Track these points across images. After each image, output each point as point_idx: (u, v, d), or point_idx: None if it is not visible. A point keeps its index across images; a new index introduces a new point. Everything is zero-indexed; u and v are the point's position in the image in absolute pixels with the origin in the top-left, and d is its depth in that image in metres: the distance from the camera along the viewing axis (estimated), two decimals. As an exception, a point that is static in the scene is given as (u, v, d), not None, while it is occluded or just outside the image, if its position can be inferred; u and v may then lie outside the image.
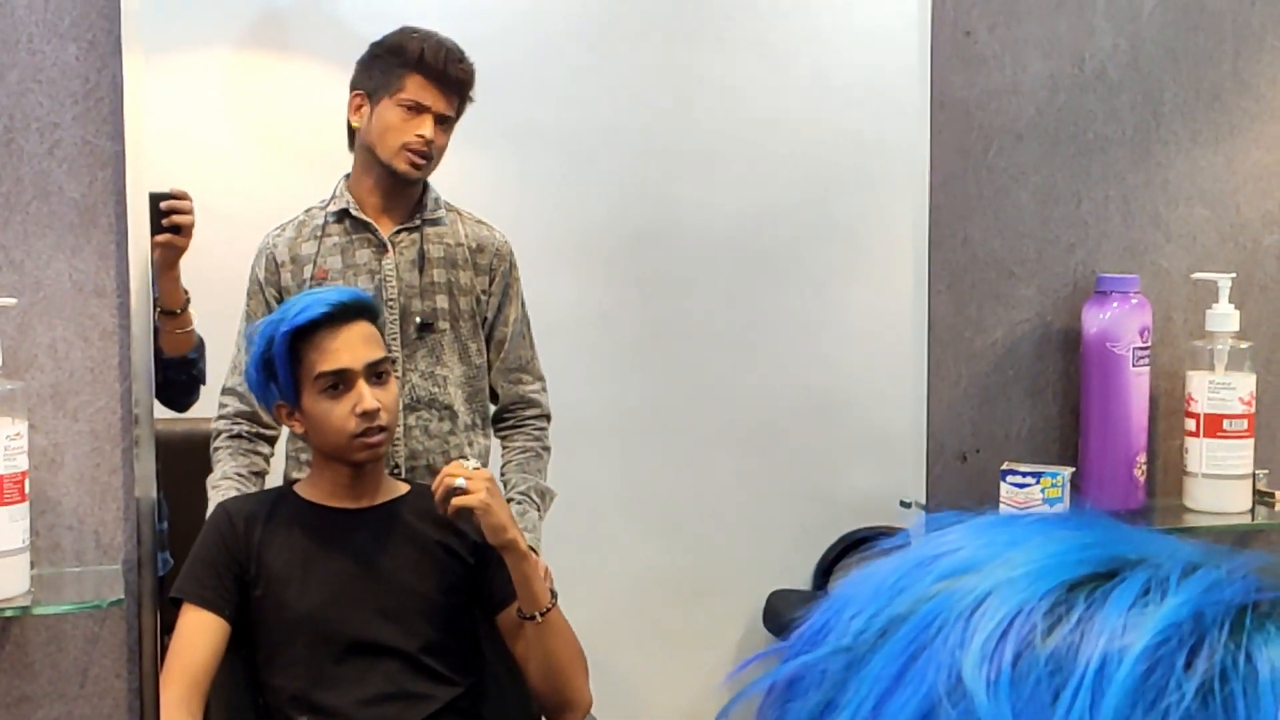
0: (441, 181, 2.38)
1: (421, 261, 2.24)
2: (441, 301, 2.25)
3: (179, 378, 2.19)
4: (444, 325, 2.24)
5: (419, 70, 2.21)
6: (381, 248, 2.24)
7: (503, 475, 2.29)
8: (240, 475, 2.20)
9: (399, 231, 2.25)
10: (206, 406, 2.27)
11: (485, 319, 2.30)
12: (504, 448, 2.32)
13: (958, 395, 2.12)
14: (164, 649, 1.87)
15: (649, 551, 2.57)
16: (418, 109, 2.21)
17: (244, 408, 2.21)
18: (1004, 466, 2.06)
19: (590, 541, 2.50)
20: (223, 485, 2.17)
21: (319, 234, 2.25)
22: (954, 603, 0.46)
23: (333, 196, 2.28)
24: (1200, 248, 2.20)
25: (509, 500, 2.21)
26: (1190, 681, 0.42)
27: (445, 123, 2.23)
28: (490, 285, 2.29)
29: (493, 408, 2.33)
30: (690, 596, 2.58)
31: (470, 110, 2.51)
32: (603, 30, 2.19)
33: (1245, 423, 2.10)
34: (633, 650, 2.56)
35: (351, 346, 1.94)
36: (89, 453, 1.79)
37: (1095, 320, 2.10)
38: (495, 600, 1.99)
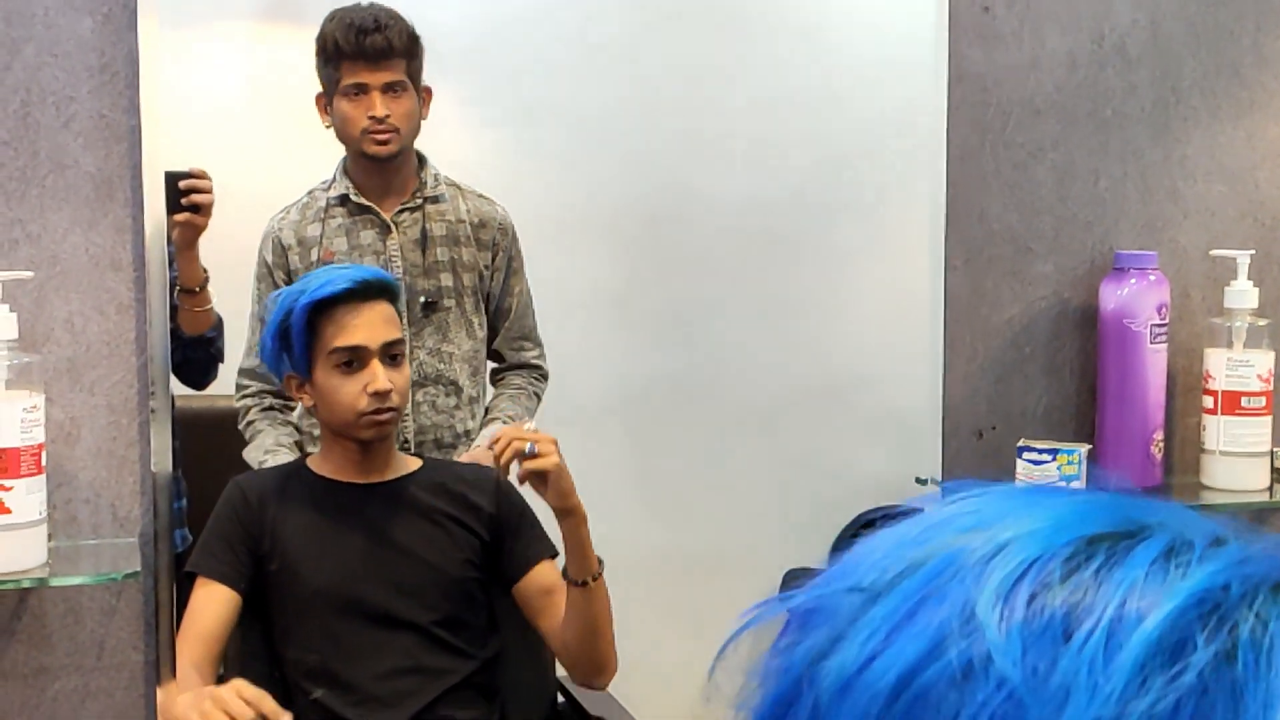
0: (456, 160, 2.38)
1: (425, 241, 2.25)
2: (446, 279, 2.26)
3: (198, 356, 2.20)
4: (449, 303, 2.25)
5: (343, 57, 2.22)
6: (385, 229, 2.25)
7: (489, 405, 2.32)
8: (283, 445, 2.21)
9: (401, 211, 2.26)
10: (225, 384, 2.28)
11: (489, 293, 2.31)
12: (496, 387, 2.34)
13: (974, 372, 2.11)
14: (180, 620, 1.88)
15: (663, 530, 2.57)
16: (361, 90, 2.21)
17: (267, 385, 2.22)
18: (1020, 443, 2.05)
19: (605, 520, 2.50)
20: (278, 451, 2.19)
21: (323, 216, 2.26)
22: (972, 549, 0.46)
23: (333, 180, 2.28)
24: (1219, 224, 2.19)
25: (493, 420, 2.26)
26: (1209, 648, 0.42)
27: (395, 90, 2.21)
28: (494, 260, 2.30)
29: (490, 366, 2.35)
30: (705, 575, 2.58)
31: (487, 89, 2.50)
32: (620, 9, 2.18)
33: (1263, 400, 2.09)
34: (648, 629, 2.55)
35: (371, 325, 1.94)
36: (105, 426, 1.80)
37: (1113, 297, 2.09)
38: (513, 572, 1.99)
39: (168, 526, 1.82)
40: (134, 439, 1.80)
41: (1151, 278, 2.10)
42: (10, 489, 1.65)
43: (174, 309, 2.10)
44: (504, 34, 2.21)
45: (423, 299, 2.24)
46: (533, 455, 1.87)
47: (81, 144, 1.77)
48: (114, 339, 1.79)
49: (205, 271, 2.14)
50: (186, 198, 2.02)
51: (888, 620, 0.45)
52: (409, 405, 2.19)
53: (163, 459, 1.80)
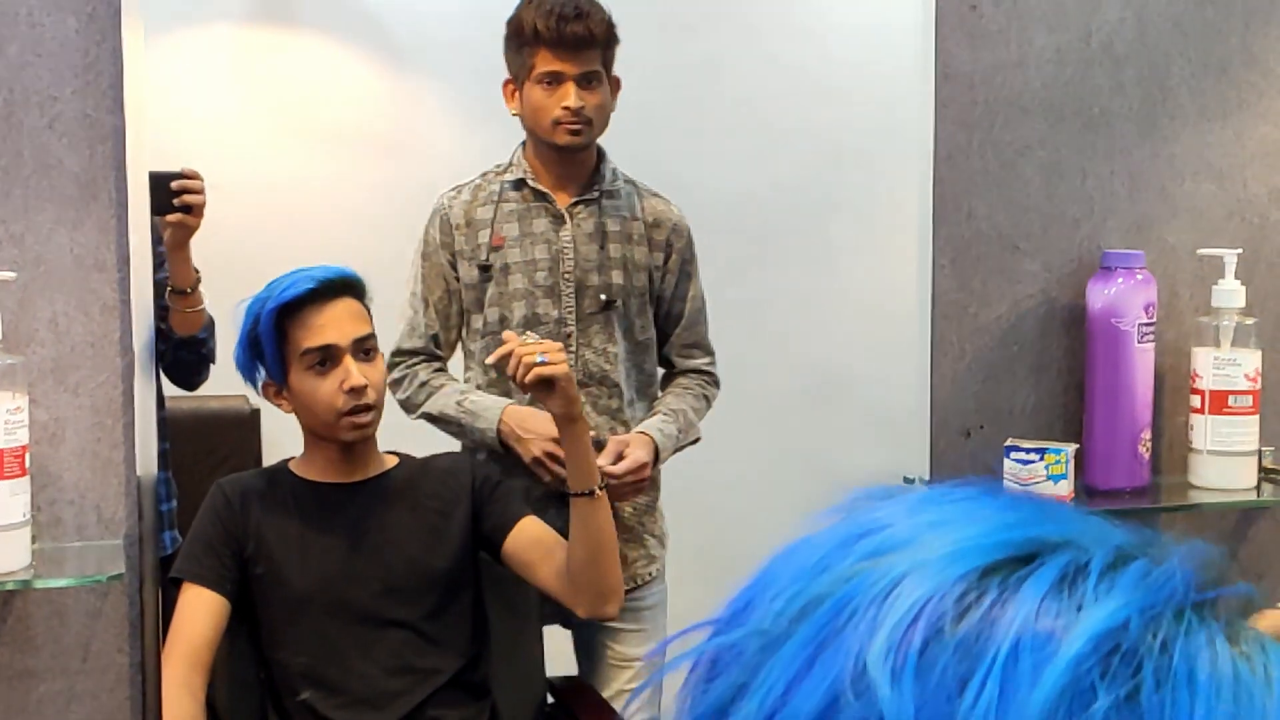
0: (454, 160, 2.36)
1: (602, 236, 2.19)
2: (617, 277, 2.20)
3: (189, 357, 2.19)
4: (619, 302, 2.20)
5: (540, 44, 2.12)
6: (559, 219, 2.19)
7: (659, 398, 2.28)
8: (470, 386, 2.20)
9: (577, 203, 2.20)
10: (216, 385, 2.26)
11: (659, 295, 2.25)
12: (664, 389, 2.29)
13: (961, 371, 2.11)
14: (167, 625, 1.88)
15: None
16: (555, 80, 2.13)
17: (428, 350, 2.22)
18: (1008, 443, 2.05)
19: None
20: (476, 395, 2.17)
21: (496, 199, 2.20)
22: (869, 586, 0.45)
23: (510, 164, 2.22)
24: (1207, 223, 2.19)
25: (654, 414, 2.22)
26: (1110, 694, 0.41)
27: (590, 82, 2.14)
28: (666, 262, 2.24)
29: (660, 373, 2.30)
30: (696, 573, 2.58)
31: (480, 89, 2.47)
32: (611, 7, 2.17)
33: (1251, 399, 2.09)
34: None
35: (338, 322, 1.93)
36: (90, 427, 1.79)
37: (1100, 296, 2.09)
38: (499, 534, 1.98)
39: (153, 529, 1.82)
40: (119, 440, 1.79)
41: (1139, 277, 2.10)
42: (-6, 491, 1.65)
43: (165, 310, 2.09)
44: (498, 30, 2.19)
45: (601, 296, 2.19)
46: (543, 365, 1.87)
47: (65, 144, 1.76)
48: (98, 339, 1.78)
49: (197, 272, 2.13)
50: (179, 198, 2.01)
51: (786, 671, 0.44)
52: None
53: (147, 461, 1.80)
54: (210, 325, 2.18)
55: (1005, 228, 2.11)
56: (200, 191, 2.04)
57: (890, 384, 2.42)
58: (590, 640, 2.28)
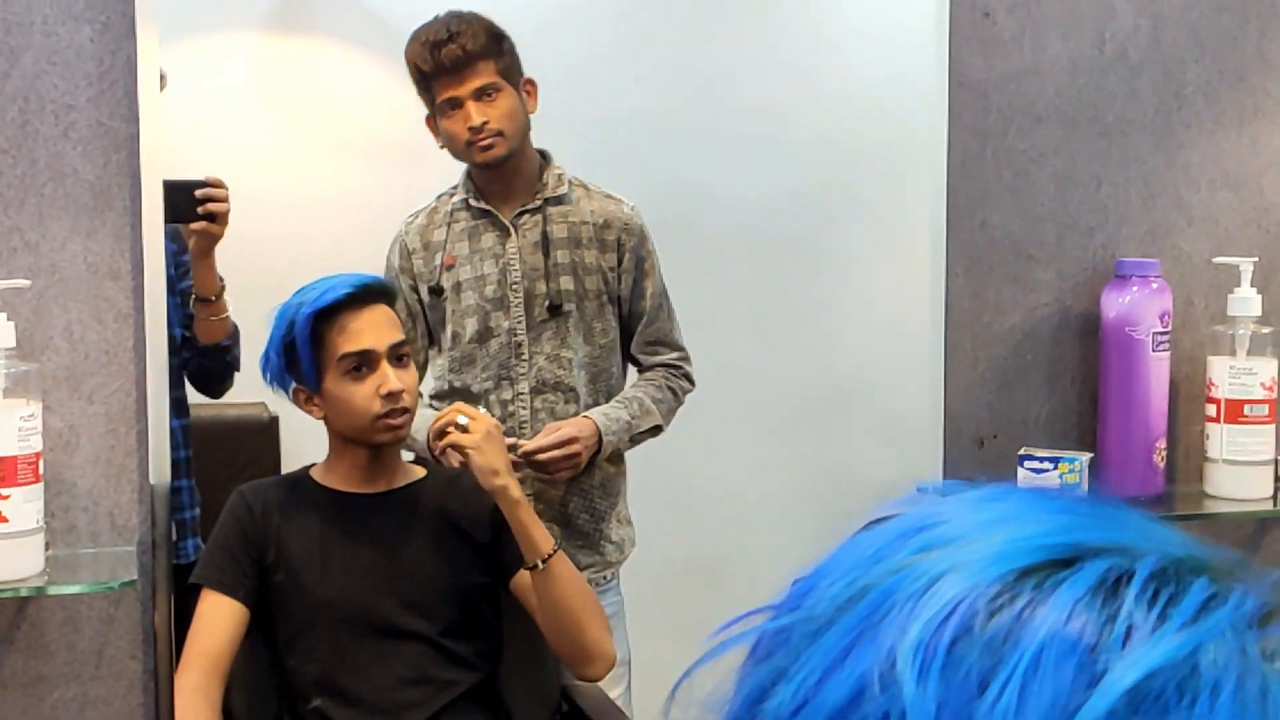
0: (460, 168, 2.36)
1: (546, 243, 2.21)
2: (566, 283, 2.22)
3: (213, 364, 2.20)
4: (569, 307, 2.21)
5: (426, 78, 2.19)
6: (505, 231, 2.22)
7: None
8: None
9: (521, 214, 2.22)
10: (239, 392, 2.27)
11: (618, 296, 2.26)
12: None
13: (975, 380, 2.10)
14: (183, 632, 1.88)
15: (670, 537, 2.57)
16: (454, 104, 2.17)
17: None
18: (1022, 452, 2.04)
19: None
20: (423, 413, 2.17)
21: (448, 221, 2.24)
22: (910, 580, 0.45)
23: (458, 185, 2.26)
24: (1222, 231, 2.18)
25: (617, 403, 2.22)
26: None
27: (487, 94, 2.17)
28: (621, 262, 2.25)
29: (634, 376, 2.31)
30: (710, 582, 2.58)
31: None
32: (627, 15, 2.18)
33: (1267, 408, 2.07)
34: (654, 638, 2.55)
35: (375, 328, 1.94)
36: (104, 434, 1.80)
37: (1115, 305, 2.08)
38: (506, 568, 1.99)
39: (166, 535, 1.82)
40: (132, 447, 1.80)
41: (1154, 285, 2.09)
42: (8, 497, 1.65)
43: (190, 318, 2.10)
44: (515, 39, 2.20)
45: (546, 303, 2.20)
46: (461, 429, 1.90)
47: (80, 152, 1.77)
48: (112, 347, 1.79)
49: (222, 280, 2.14)
50: (203, 206, 2.02)
51: (824, 659, 0.45)
52: (527, 413, 2.18)
53: (160, 467, 1.80)
54: (235, 333, 2.19)
55: (1019, 236, 2.11)
56: (224, 200, 2.06)
57: (903, 392, 2.41)
58: None
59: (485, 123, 2.16)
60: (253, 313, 2.16)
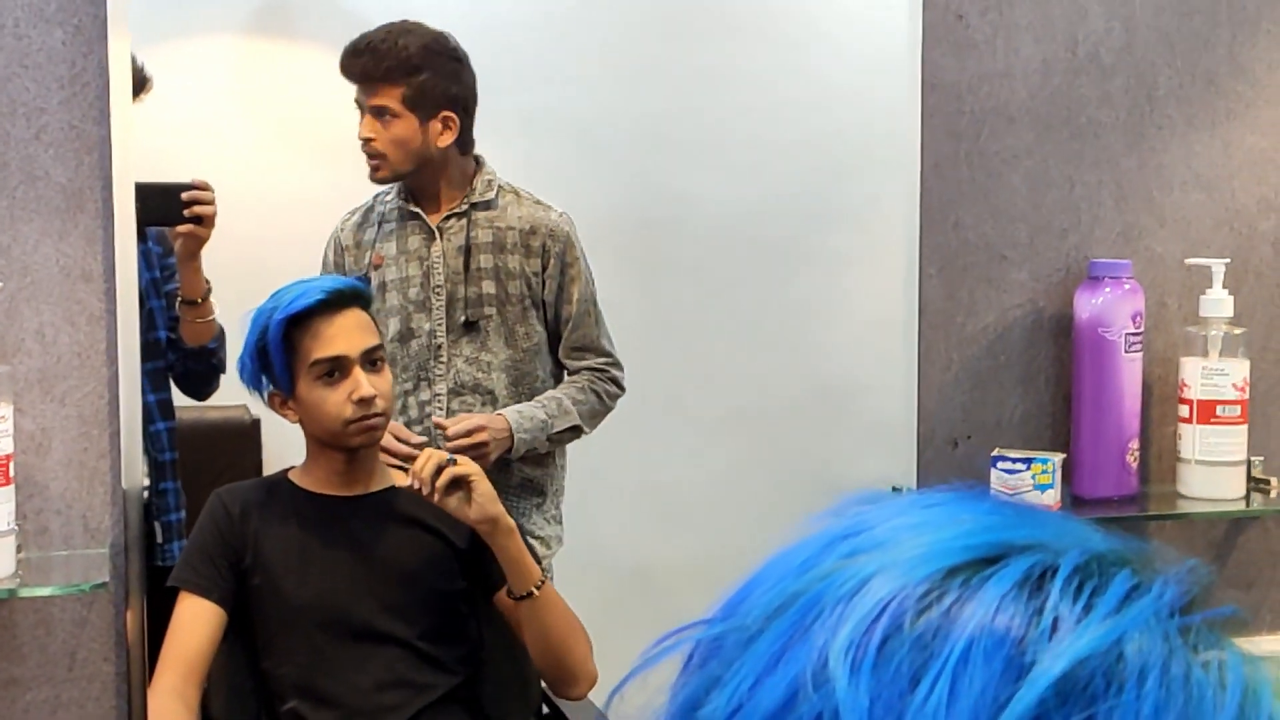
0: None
1: (468, 248, 2.23)
2: (488, 287, 2.22)
3: (199, 367, 2.20)
4: (489, 311, 2.22)
5: (344, 75, 2.22)
6: (431, 235, 2.23)
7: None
8: None
9: (448, 218, 2.23)
10: (224, 395, 2.27)
11: (543, 301, 2.26)
12: None
13: (949, 381, 2.11)
14: (160, 634, 1.88)
15: (649, 539, 2.57)
16: (361, 109, 2.21)
17: None
18: (995, 453, 2.05)
19: (591, 529, 2.50)
20: None
21: (380, 220, 2.26)
22: (840, 584, 0.46)
23: (396, 186, 2.27)
24: (1195, 233, 2.19)
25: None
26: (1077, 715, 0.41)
27: (381, 115, 2.20)
28: (546, 268, 2.25)
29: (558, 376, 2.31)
30: (690, 584, 2.58)
31: (478, 102, 2.49)
32: (606, 20, 2.18)
33: (1239, 409, 2.08)
34: (634, 639, 2.55)
35: (347, 333, 1.94)
36: (76, 437, 1.80)
37: (1087, 305, 2.09)
38: (491, 582, 1.99)
39: (139, 537, 1.82)
40: (105, 450, 1.80)
41: (1127, 286, 2.10)
42: (-21, 500, 1.65)
43: (176, 320, 2.11)
44: (493, 41, 2.21)
45: (466, 307, 2.21)
46: (453, 464, 1.89)
47: (52, 155, 1.77)
48: (85, 350, 1.79)
49: (208, 283, 2.13)
50: (189, 209, 2.03)
51: (755, 666, 0.46)
52: (444, 413, 2.19)
53: (133, 470, 1.80)
54: (220, 335, 2.19)
55: (992, 237, 2.12)
56: (211, 202, 2.06)
57: (878, 393, 2.42)
58: None
59: (370, 140, 2.19)
60: (232, 315, 2.16)
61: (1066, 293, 2.12)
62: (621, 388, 2.32)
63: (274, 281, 1.99)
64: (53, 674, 1.81)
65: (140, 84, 1.97)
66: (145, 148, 1.94)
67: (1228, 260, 2.12)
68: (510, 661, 2.10)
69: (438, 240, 2.23)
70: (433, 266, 2.22)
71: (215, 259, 2.15)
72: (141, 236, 2.04)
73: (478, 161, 2.27)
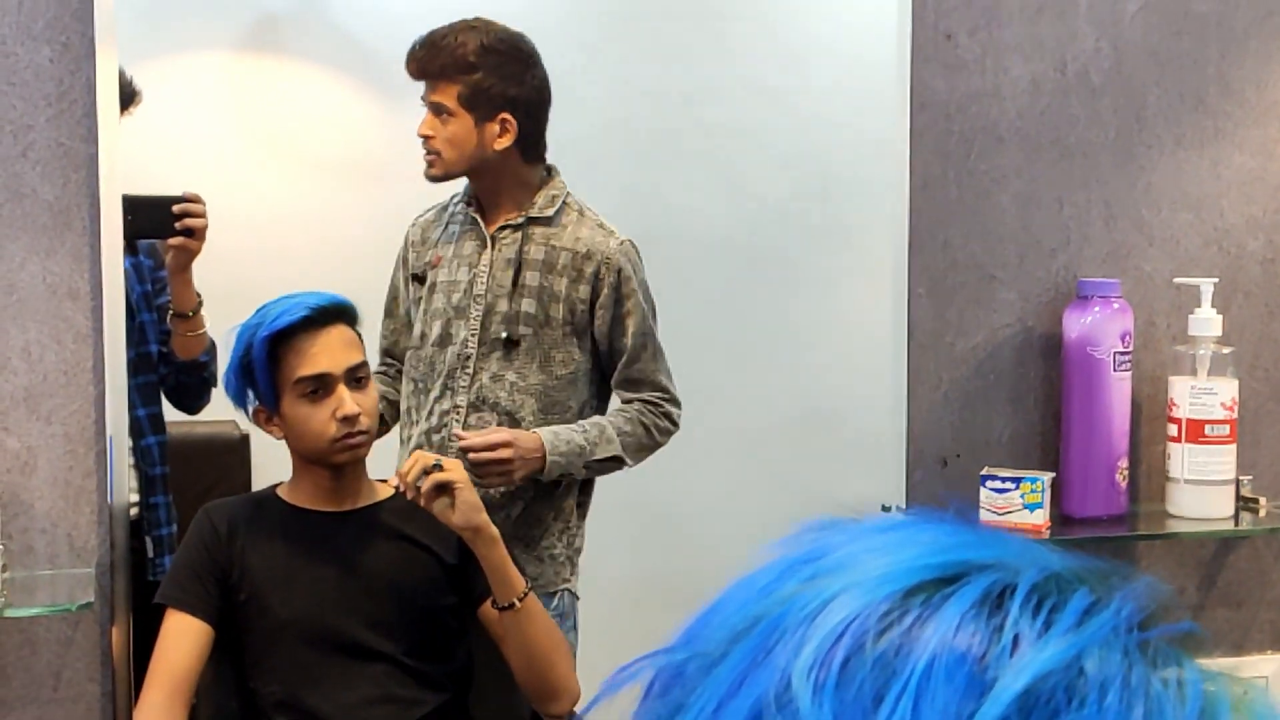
0: (443, 188, 2.35)
1: (519, 262, 2.18)
2: (528, 306, 2.17)
3: (190, 381, 2.19)
4: (525, 330, 2.16)
5: (406, 70, 2.18)
6: (484, 243, 2.20)
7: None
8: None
9: (503, 228, 2.19)
10: (211, 411, 2.26)
11: (591, 331, 2.19)
12: None
13: (938, 400, 2.11)
14: (149, 650, 1.87)
15: (640, 556, 2.57)
16: (427, 106, 2.18)
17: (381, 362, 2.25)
18: (984, 472, 2.05)
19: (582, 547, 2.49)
20: None
21: (447, 221, 2.24)
22: (801, 606, 0.46)
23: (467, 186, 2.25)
24: (1183, 252, 2.19)
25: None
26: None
27: (439, 112, 2.16)
28: (597, 298, 2.18)
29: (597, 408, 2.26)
30: (680, 601, 2.57)
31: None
32: (596, 38, 2.18)
33: (1228, 428, 2.09)
34: (625, 658, 2.54)
35: (331, 350, 1.93)
36: (62, 455, 1.79)
37: (1076, 325, 2.09)
38: (475, 594, 1.98)
39: (125, 556, 1.82)
40: (91, 469, 1.79)
41: (1115, 305, 2.10)
42: (-37, 519, 1.65)
43: (167, 334, 2.10)
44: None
45: (498, 321, 2.16)
46: (439, 469, 1.88)
47: (39, 172, 1.77)
48: (71, 368, 1.79)
49: (199, 296, 2.13)
50: (180, 222, 2.02)
51: (718, 690, 0.46)
52: (460, 426, 2.17)
53: (120, 489, 1.80)
54: (212, 349, 2.18)
55: (981, 257, 2.12)
56: (202, 215, 2.05)
57: (867, 413, 2.41)
58: None
59: (429, 137, 2.16)
60: (222, 329, 2.16)
61: (1055, 312, 2.12)
62: (675, 424, 2.24)
63: (263, 296, 1.98)
64: (38, 694, 1.81)
65: (129, 98, 1.97)
66: (134, 163, 1.94)
67: (1216, 279, 2.13)
68: (499, 678, 2.09)
69: (489, 249, 2.21)
70: (478, 275, 2.19)
71: (205, 273, 2.15)
72: (132, 250, 2.04)
73: (549, 172, 2.21)
